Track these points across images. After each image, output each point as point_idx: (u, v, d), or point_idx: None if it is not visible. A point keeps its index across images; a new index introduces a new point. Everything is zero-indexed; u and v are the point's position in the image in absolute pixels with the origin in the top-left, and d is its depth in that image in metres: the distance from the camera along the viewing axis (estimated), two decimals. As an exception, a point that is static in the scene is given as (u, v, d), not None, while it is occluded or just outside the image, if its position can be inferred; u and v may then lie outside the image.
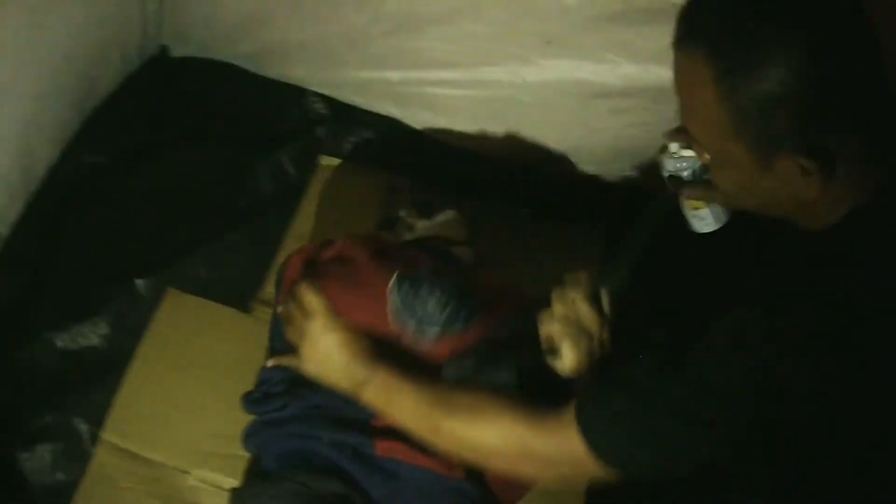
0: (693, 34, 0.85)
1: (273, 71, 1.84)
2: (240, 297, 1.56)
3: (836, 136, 0.82)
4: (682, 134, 0.95)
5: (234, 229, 1.66)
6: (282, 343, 1.25)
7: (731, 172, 0.91)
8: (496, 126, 1.80)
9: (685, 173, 1.05)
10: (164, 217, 1.65)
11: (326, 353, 1.15)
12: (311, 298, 1.17)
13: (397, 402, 1.09)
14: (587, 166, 1.82)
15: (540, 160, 1.81)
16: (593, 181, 1.83)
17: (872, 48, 0.83)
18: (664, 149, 1.06)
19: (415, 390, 1.08)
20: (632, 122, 1.67)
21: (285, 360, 1.22)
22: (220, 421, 1.38)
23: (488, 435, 1.01)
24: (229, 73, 1.82)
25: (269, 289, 1.55)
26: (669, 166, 1.06)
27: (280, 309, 1.24)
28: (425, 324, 1.20)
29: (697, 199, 1.06)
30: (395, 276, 1.21)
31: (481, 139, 1.81)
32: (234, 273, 1.60)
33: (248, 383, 1.32)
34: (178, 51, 1.86)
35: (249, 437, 1.28)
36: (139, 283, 1.55)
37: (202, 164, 1.74)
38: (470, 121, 1.81)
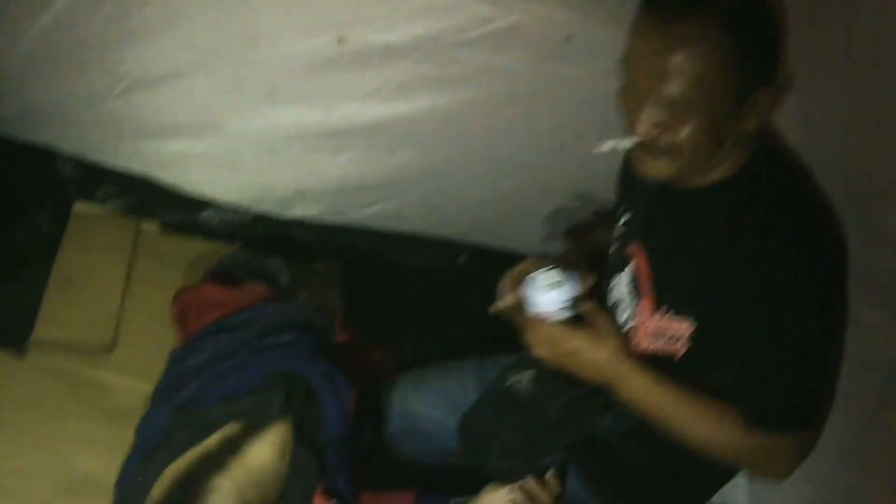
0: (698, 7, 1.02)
1: (25, 135, 1.94)
2: (13, 342, 1.73)
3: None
4: (654, 125, 1.09)
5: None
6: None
7: (702, 134, 1.08)
8: (232, 176, 1.98)
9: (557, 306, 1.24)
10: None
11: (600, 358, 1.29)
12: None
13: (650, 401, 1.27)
14: (311, 207, 2.05)
15: (274, 205, 2.04)
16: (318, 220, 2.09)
17: None
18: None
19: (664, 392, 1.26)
20: (352, 159, 1.91)
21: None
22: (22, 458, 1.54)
23: (714, 431, 1.23)
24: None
25: (39, 333, 1.74)
26: (543, 304, 1.24)
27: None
28: None
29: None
30: None
31: (222, 189, 2.01)
32: (3, 320, 1.77)
33: (31, 422, 1.55)
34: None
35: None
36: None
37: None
38: (207, 172, 1.97)
